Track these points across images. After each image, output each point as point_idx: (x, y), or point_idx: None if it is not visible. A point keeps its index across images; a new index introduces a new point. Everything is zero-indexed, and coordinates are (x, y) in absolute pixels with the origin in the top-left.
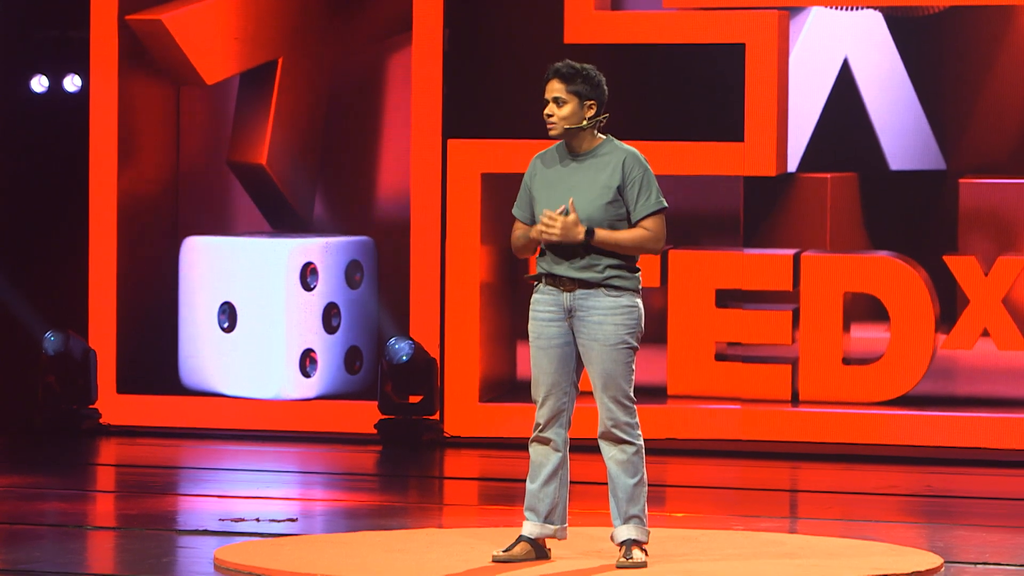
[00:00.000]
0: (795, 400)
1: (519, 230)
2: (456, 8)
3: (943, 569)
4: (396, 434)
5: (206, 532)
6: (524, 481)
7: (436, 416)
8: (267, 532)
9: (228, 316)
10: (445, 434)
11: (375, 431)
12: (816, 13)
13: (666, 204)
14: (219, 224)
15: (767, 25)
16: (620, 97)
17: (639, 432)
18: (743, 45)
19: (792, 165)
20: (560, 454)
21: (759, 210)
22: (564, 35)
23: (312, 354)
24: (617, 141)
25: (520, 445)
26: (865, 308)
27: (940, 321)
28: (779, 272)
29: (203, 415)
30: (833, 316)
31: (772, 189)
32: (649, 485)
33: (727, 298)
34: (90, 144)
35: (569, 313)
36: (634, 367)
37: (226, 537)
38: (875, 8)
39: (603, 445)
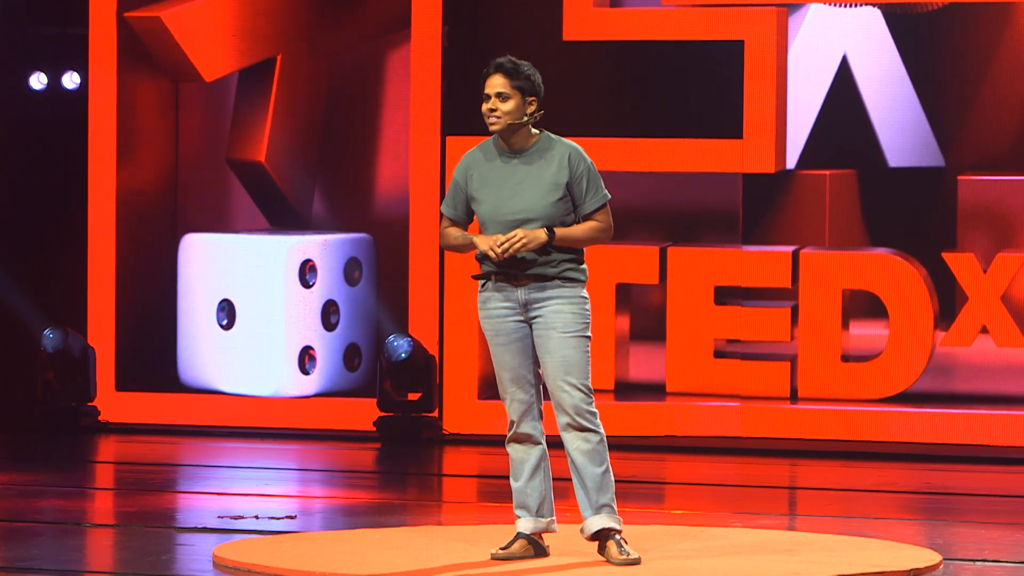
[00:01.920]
0: (794, 397)
1: (452, 228)
2: (455, 5)
3: (942, 566)
4: (395, 431)
5: (205, 529)
6: None
7: (435, 413)
8: (266, 530)
9: (227, 313)
10: (444, 431)
11: (374, 428)
12: (815, 10)
13: (610, 196)
14: (218, 221)
15: (766, 22)
16: (619, 94)
17: (599, 421)
18: (742, 42)
19: (791, 162)
20: (540, 447)
21: (758, 207)
22: (563, 32)
23: (311, 351)
24: (554, 136)
25: None
26: (864, 305)
27: (939, 318)
28: (778, 269)
29: (202, 412)
30: (832, 313)
31: (771, 186)
32: (648, 482)
33: (726, 295)
34: (89, 141)
35: (524, 307)
36: (589, 358)
37: (225, 534)
38: (874, 5)
39: (567, 436)
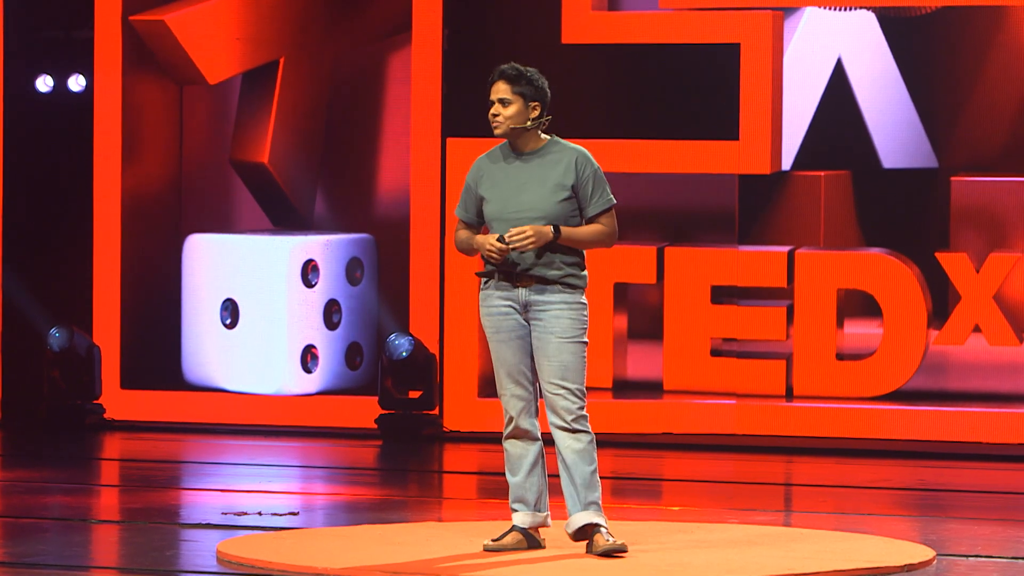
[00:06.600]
0: (789, 395)
1: (464, 231)
2: (455, 8)
3: (935, 562)
4: (396, 429)
5: (209, 526)
6: None
7: (435, 411)
8: (269, 526)
9: (230, 312)
10: (444, 429)
11: (375, 426)
12: (810, 13)
13: (615, 200)
14: (221, 222)
15: (762, 25)
16: (617, 96)
17: (589, 424)
18: (738, 45)
19: (786, 163)
20: (538, 443)
21: (754, 207)
22: (562, 35)
23: (313, 350)
24: (563, 141)
25: None
26: (858, 304)
27: (932, 317)
28: (773, 269)
29: (206, 410)
30: (827, 312)
31: (767, 187)
32: (645, 479)
33: (722, 294)
34: (94, 143)
35: (524, 308)
36: (585, 362)
37: (228, 531)
38: (868, 8)
39: (559, 435)
